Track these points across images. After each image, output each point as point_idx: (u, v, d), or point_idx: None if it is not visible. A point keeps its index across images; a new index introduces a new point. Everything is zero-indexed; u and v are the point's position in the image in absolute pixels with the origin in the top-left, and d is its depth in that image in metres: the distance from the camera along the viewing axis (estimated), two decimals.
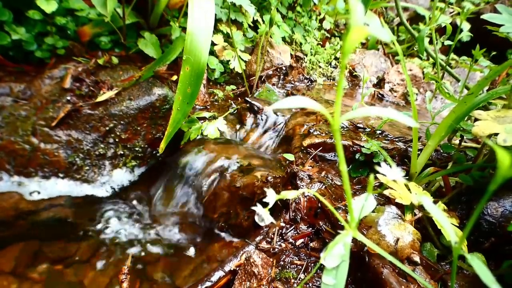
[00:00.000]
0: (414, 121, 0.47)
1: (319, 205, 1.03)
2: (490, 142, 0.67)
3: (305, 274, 0.88)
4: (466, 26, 2.21)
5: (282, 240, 0.99)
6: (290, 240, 0.99)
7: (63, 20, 1.38)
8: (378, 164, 1.12)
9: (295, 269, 0.90)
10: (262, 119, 1.69)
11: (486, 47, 1.22)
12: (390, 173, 0.43)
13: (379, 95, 2.25)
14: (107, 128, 1.39)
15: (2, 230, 1.19)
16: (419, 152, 1.04)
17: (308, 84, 2.21)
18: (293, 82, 2.15)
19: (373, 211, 0.88)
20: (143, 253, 1.18)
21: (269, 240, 0.99)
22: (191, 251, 1.21)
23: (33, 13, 1.30)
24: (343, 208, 1.02)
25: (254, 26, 2.03)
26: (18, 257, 1.11)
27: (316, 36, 2.38)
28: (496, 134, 0.76)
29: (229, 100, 1.82)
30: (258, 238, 1.00)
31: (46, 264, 1.10)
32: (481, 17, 0.82)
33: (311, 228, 1.01)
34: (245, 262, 0.85)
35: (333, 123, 0.38)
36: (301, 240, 0.99)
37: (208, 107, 1.71)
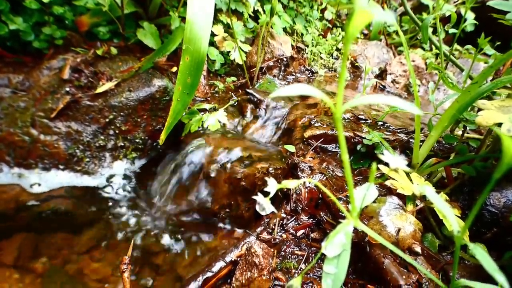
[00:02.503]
0: (417, 108, 0.46)
1: (320, 196, 1.03)
2: (497, 129, 0.66)
3: (306, 264, 0.89)
4: (470, 15, 2.18)
5: (283, 231, 0.99)
6: (291, 230, 0.99)
7: (61, 10, 1.36)
8: (381, 154, 1.11)
9: (296, 260, 0.90)
10: (263, 111, 1.67)
11: (491, 37, 1.20)
12: (393, 161, 0.42)
13: (381, 87, 2.23)
14: (107, 120, 1.38)
15: (3, 222, 1.19)
16: (421, 143, 1.03)
17: (309, 75, 2.19)
18: (294, 73, 2.13)
19: (374, 202, 0.87)
20: (144, 244, 1.19)
21: (270, 230, 0.99)
22: (192, 242, 1.21)
23: (30, 2, 1.28)
24: (344, 199, 1.01)
25: (255, 17, 2.00)
26: (19, 249, 1.11)
27: (318, 27, 2.35)
28: (500, 124, 0.75)
29: (230, 92, 1.81)
30: (259, 229, 1.00)
31: (48, 255, 1.10)
32: (487, 3, 0.80)
33: (312, 219, 1.01)
34: (246, 252, 0.85)
35: (335, 111, 0.37)
36: (302, 231, 0.99)
37: (209, 98, 1.70)
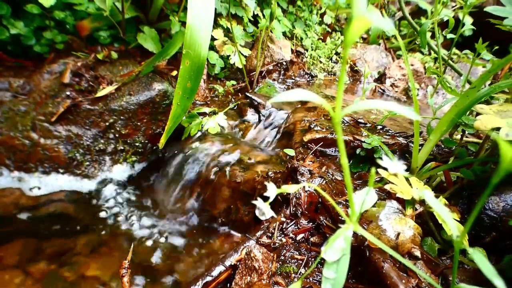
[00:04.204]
0: (416, 113, 0.47)
1: (320, 200, 1.03)
2: (494, 134, 0.66)
3: (306, 268, 0.89)
4: (468, 20, 2.19)
5: (282, 235, 0.99)
6: (291, 235, 0.99)
7: (62, 14, 1.37)
8: (380, 159, 1.12)
9: (296, 264, 0.90)
10: (262, 115, 1.68)
11: (489, 42, 1.21)
12: (392, 166, 0.42)
13: (380, 90, 2.23)
14: (107, 124, 1.39)
15: (3, 226, 1.19)
16: (420, 147, 1.03)
17: (308, 79, 2.20)
18: (293, 77, 2.14)
19: (374, 206, 0.87)
20: (143, 248, 1.19)
21: (270, 235, 0.99)
22: (192, 246, 1.21)
23: (32, 7, 1.29)
24: (344, 203, 1.01)
25: (255, 21, 2.01)
26: (19, 253, 1.11)
27: (317, 31, 2.37)
28: (498, 129, 0.75)
29: (230, 96, 1.81)
30: (258, 233, 1.00)
31: (48, 259, 1.10)
32: (485, 9, 0.81)
33: (311, 223, 1.01)
34: (245, 256, 0.85)
35: (335, 116, 0.37)
36: (302, 235, 0.99)
37: (209, 102, 1.71)
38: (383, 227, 0.81)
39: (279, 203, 1.09)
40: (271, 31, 1.97)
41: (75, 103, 1.34)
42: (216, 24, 1.80)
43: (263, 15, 1.97)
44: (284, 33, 2.14)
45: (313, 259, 0.91)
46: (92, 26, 1.45)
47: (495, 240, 0.85)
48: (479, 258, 0.42)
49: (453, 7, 2.39)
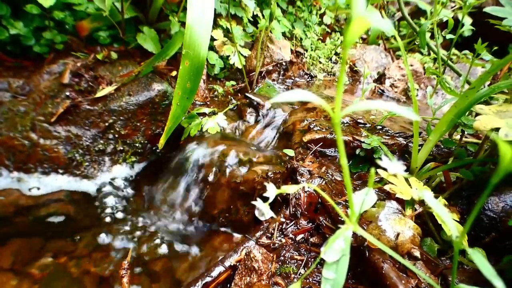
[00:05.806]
0: (415, 114, 0.47)
1: (319, 200, 1.03)
2: (493, 134, 0.66)
3: (305, 269, 0.89)
4: (468, 20, 2.20)
5: (282, 235, 0.98)
6: (290, 235, 0.98)
7: (61, 15, 1.37)
8: (379, 159, 1.12)
9: (295, 264, 0.90)
10: (262, 115, 1.68)
11: (488, 43, 1.21)
12: (391, 166, 0.42)
13: (380, 91, 2.23)
14: (107, 124, 1.38)
15: (2, 226, 1.19)
16: (420, 147, 1.03)
17: (308, 79, 2.20)
18: (293, 77, 2.14)
19: (373, 206, 0.87)
20: (143, 248, 1.18)
21: (269, 235, 0.99)
22: (191, 247, 1.21)
23: (31, 7, 1.29)
24: (343, 203, 1.01)
25: (254, 21, 2.01)
26: (18, 253, 1.11)
27: (317, 31, 2.37)
28: (498, 129, 0.75)
29: (229, 96, 1.81)
30: (258, 234, 1.00)
31: (46, 260, 1.10)
32: (484, 10, 0.81)
33: (311, 224, 1.01)
34: (245, 257, 0.85)
35: (334, 116, 0.37)
36: (301, 235, 0.99)
37: (208, 102, 1.70)
38: (382, 228, 0.81)
39: (279, 203, 1.09)
40: (270, 32, 1.97)
41: (75, 104, 1.34)
42: (215, 25, 1.80)
43: (263, 16, 1.97)
44: (283, 34, 2.14)
45: (312, 260, 0.91)
46: (92, 26, 1.45)
47: (494, 241, 0.85)
48: (479, 258, 0.42)
49: (452, 7, 2.39)
